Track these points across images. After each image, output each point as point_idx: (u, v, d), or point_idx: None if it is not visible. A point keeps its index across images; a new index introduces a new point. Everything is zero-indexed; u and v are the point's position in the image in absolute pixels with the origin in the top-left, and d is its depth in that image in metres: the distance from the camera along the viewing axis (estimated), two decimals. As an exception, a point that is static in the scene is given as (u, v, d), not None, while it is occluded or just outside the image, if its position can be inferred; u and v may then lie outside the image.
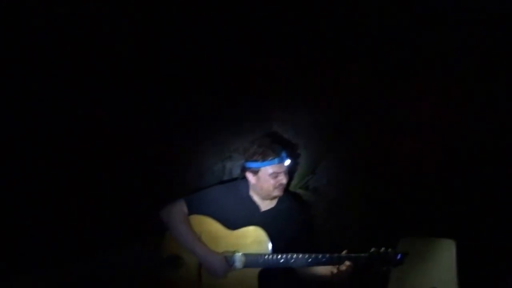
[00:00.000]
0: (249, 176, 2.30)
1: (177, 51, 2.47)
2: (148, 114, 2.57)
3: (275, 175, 2.24)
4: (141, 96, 2.52)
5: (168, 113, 2.59)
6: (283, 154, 2.26)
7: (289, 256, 2.14)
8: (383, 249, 2.08)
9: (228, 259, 2.20)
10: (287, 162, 2.28)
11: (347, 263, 2.06)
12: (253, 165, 2.26)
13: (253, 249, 2.21)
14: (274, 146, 2.26)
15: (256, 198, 2.35)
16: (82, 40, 2.36)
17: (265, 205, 2.36)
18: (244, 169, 2.32)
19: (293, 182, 2.69)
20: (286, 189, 2.39)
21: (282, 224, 2.31)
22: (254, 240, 2.22)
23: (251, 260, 2.18)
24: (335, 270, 2.08)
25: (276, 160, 2.23)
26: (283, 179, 2.27)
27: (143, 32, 2.40)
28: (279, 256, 2.15)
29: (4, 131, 2.36)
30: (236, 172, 2.64)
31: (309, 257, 2.13)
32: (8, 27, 2.24)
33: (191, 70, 2.52)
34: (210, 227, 2.28)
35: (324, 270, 2.16)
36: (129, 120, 2.54)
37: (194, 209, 2.30)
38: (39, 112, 2.41)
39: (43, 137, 2.43)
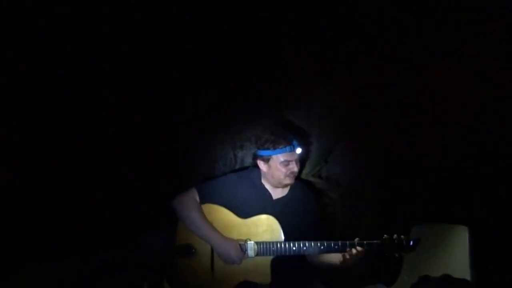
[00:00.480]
0: (261, 164, 2.30)
1: (194, 45, 2.48)
2: (160, 105, 2.57)
3: (286, 163, 2.23)
4: (152, 87, 2.53)
5: (180, 103, 2.59)
6: (294, 142, 2.25)
7: (302, 244, 2.15)
8: (395, 235, 2.08)
9: (240, 247, 2.21)
10: (298, 150, 2.27)
11: (359, 247, 2.07)
12: (264, 153, 2.25)
13: (266, 238, 2.21)
14: (285, 134, 2.26)
15: (268, 186, 2.35)
16: (83, 40, 2.36)
17: (277, 193, 2.35)
18: (255, 157, 2.31)
19: (306, 170, 2.68)
20: (298, 177, 2.38)
21: (294, 212, 2.31)
22: (266, 228, 2.22)
23: (264, 248, 2.19)
24: (347, 255, 2.08)
25: (287, 148, 2.22)
26: (294, 167, 2.25)
27: (163, 25, 2.42)
28: (292, 244, 2.16)
29: (4, 131, 2.37)
30: (248, 161, 2.64)
31: (321, 245, 2.14)
32: (8, 27, 2.24)
33: (203, 61, 2.52)
34: (222, 216, 2.27)
35: (336, 257, 2.16)
36: (138, 112, 2.56)
37: (205, 198, 2.30)
38: (39, 111, 2.42)
39: (45, 136, 2.44)
